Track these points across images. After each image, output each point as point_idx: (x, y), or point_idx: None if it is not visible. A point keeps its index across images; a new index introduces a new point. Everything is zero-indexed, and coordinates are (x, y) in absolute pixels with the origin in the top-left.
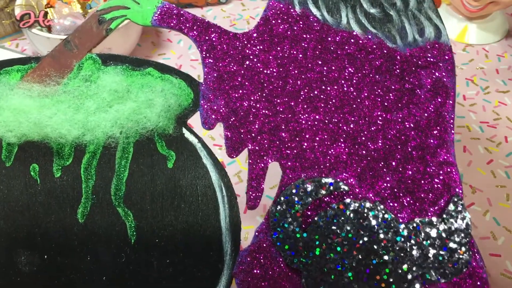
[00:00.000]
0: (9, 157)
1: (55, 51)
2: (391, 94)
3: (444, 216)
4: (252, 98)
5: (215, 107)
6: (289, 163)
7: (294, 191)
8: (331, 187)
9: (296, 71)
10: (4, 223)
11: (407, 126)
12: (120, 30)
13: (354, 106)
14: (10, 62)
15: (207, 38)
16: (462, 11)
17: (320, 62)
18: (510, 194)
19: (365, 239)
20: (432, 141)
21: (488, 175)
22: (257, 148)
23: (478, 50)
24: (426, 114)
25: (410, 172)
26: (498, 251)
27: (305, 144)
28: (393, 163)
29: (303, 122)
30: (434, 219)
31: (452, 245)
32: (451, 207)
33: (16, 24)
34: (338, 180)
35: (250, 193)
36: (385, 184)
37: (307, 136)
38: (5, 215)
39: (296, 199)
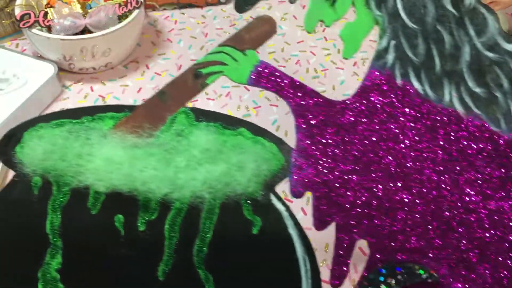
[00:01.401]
0: (95, 205)
1: (149, 101)
2: (492, 181)
3: None
4: (344, 170)
5: (305, 176)
6: (377, 243)
7: (381, 272)
8: (423, 276)
9: (392, 146)
10: (83, 270)
11: (510, 216)
12: (120, 30)
13: (451, 190)
14: (105, 108)
15: (303, 103)
16: None
17: (417, 139)
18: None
19: None
20: None
21: None
22: (346, 223)
23: None
24: None
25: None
26: None
27: (396, 225)
28: (489, 255)
29: (396, 201)
30: None
31: None
32: None
33: (16, 24)
34: (429, 268)
35: (335, 268)
36: (479, 279)
37: (398, 217)
38: (86, 262)
39: (382, 283)
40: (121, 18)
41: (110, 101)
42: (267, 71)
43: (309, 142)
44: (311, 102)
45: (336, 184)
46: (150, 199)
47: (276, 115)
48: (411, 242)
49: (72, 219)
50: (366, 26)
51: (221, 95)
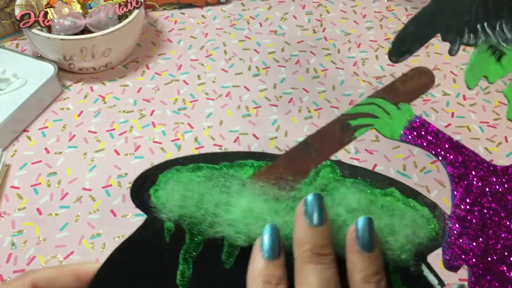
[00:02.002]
0: (229, 259)
1: (292, 151)
2: None
3: None
4: (507, 245)
5: (463, 247)
6: None
7: None
8: None
9: None
10: None
11: None
12: (120, 30)
13: None
14: (245, 155)
15: (463, 169)
16: None
17: None
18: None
19: None
20: None
21: None
22: None
23: None
24: None
25: None
26: None
27: None
28: None
29: None
30: None
31: None
32: None
33: (16, 24)
34: None
35: None
36: None
37: None
38: None
39: None
40: (121, 18)
41: (110, 101)
42: (423, 128)
43: (468, 208)
44: (473, 164)
45: (500, 257)
46: (291, 254)
47: (276, 115)
48: None
49: (204, 271)
50: None
51: (221, 95)
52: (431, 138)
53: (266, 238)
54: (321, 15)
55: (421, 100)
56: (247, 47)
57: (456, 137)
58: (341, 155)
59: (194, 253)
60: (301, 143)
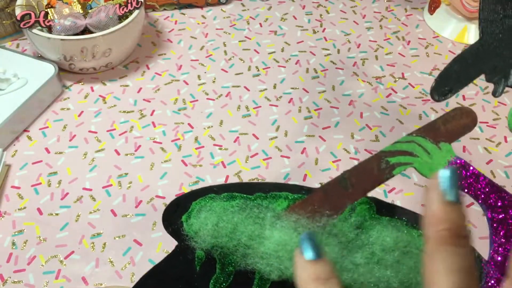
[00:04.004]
0: None
1: (329, 186)
2: None
3: None
4: None
5: None
6: None
7: None
8: None
9: None
10: None
11: None
12: (120, 30)
13: None
14: (280, 187)
15: (503, 215)
16: (462, 11)
17: None
18: None
19: None
20: None
21: (487, 175)
22: None
23: None
24: None
25: None
26: None
27: None
28: None
29: None
30: None
31: None
32: None
33: (16, 24)
34: None
35: None
36: None
37: None
38: None
39: None
40: (121, 18)
41: (111, 101)
42: (463, 170)
43: (507, 255)
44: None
45: None
46: None
47: (276, 115)
48: None
49: None
50: None
51: (221, 95)
52: (471, 181)
53: (305, 242)
54: (321, 15)
55: (420, 100)
56: (247, 47)
57: None
58: (341, 155)
59: (224, 284)
60: (337, 178)
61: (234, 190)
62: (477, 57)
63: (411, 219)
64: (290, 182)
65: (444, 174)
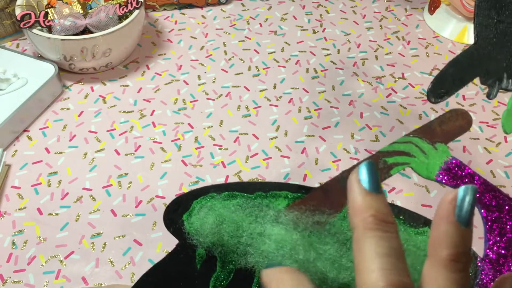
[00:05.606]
0: None
1: (328, 185)
2: None
3: None
4: None
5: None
6: None
7: None
8: None
9: None
10: None
11: None
12: (120, 30)
13: None
14: (279, 186)
15: (498, 213)
16: (462, 11)
17: None
18: (509, 194)
19: None
20: None
21: (487, 175)
22: None
23: None
24: None
25: None
26: None
27: None
28: None
29: None
30: None
31: None
32: None
33: (16, 24)
34: None
35: None
36: None
37: None
38: None
39: None
40: (121, 18)
41: (111, 101)
42: (459, 169)
43: (501, 253)
44: (506, 209)
45: None
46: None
47: (276, 115)
48: None
49: None
50: None
51: (221, 95)
52: (467, 181)
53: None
54: (321, 15)
55: (420, 100)
56: (247, 47)
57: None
58: (341, 155)
59: (224, 282)
60: (336, 177)
61: (234, 189)
62: (472, 60)
63: (409, 218)
64: (290, 182)
65: (362, 167)
